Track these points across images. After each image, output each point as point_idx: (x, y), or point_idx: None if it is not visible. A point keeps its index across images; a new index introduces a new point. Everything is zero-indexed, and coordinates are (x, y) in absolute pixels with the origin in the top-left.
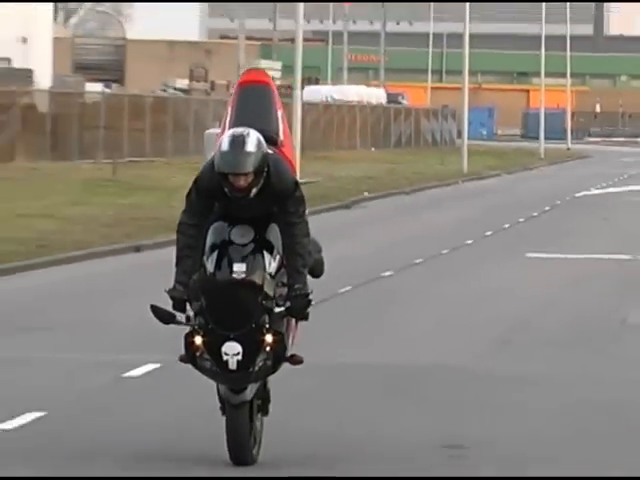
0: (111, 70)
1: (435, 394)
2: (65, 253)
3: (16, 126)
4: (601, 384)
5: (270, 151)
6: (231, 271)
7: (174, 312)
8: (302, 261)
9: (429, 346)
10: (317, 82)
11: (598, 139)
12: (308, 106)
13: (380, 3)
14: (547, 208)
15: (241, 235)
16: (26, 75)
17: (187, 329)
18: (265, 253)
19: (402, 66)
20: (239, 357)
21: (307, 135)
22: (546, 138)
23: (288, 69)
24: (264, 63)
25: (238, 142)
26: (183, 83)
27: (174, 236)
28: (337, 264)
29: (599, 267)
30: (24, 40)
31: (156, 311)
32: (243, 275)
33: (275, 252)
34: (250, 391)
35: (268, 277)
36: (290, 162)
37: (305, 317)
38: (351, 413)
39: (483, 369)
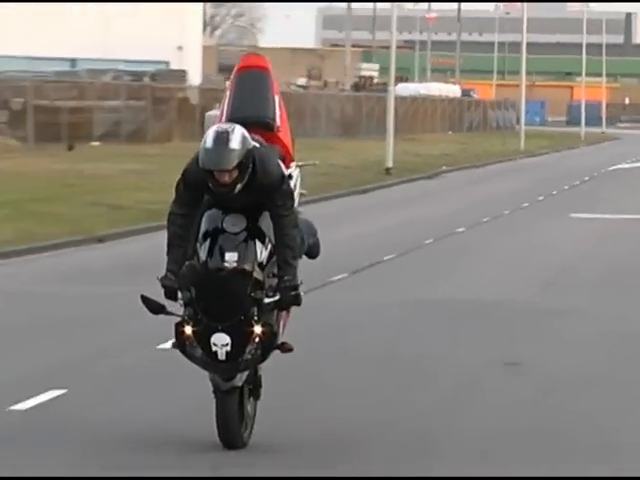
0: None
1: (496, 323)
2: None
3: (173, 115)
4: (629, 318)
5: (257, 144)
6: (223, 260)
7: (163, 303)
8: (291, 253)
9: (492, 286)
10: (407, 80)
11: (627, 125)
12: (399, 99)
13: (457, 19)
14: (586, 179)
15: (233, 224)
16: (181, 75)
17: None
18: (257, 242)
19: (473, 67)
20: (228, 348)
21: (399, 122)
22: (586, 124)
23: (384, 70)
24: (365, 66)
25: (222, 139)
26: (302, 81)
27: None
28: (422, 223)
29: (629, 225)
30: (180, 48)
31: (146, 301)
32: (235, 264)
33: (267, 241)
34: (240, 378)
35: (257, 267)
36: (285, 146)
37: (297, 303)
38: (432, 337)
39: (534, 304)
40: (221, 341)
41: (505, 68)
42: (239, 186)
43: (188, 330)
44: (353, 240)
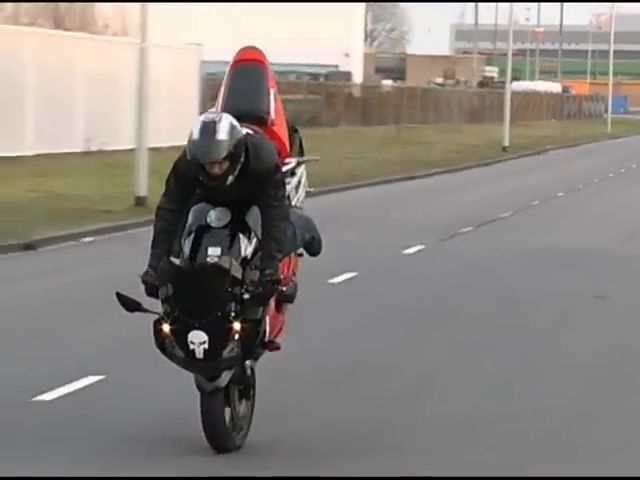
0: (397, 72)
1: (588, 266)
2: (368, 180)
3: (341, 106)
4: None
5: (250, 131)
6: (206, 255)
7: (139, 300)
8: (277, 246)
9: (585, 237)
10: (519, 79)
11: None
12: (514, 94)
13: (559, 32)
14: None
15: (218, 218)
16: (347, 75)
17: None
18: (241, 237)
19: (571, 70)
20: (205, 346)
21: (513, 111)
22: None
23: (502, 72)
24: (488, 68)
25: (208, 130)
26: (439, 80)
27: (432, 170)
28: (530, 189)
29: None
30: (347, 55)
31: (121, 298)
32: (217, 259)
33: (252, 235)
34: (224, 378)
35: (237, 263)
36: (280, 139)
37: (290, 300)
38: (539, 275)
39: (619, 251)
40: (198, 339)
41: (596, 70)
42: (231, 177)
43: (166, 328)
44: (477, 201)
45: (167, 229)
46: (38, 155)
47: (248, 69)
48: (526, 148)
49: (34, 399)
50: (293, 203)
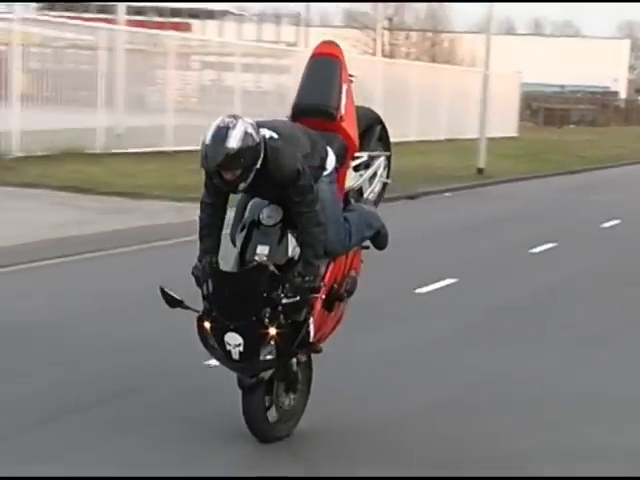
0: None
1: None
2: (628, 160)
3: (611, 113)
4: None
5: (275, 135)
6: (254, 253)
7: (181, 298)
8: (312, 252)
9: None
10: None
11: None
12: None
13: None
14: None
15: (269, 216)
16: (615, 94)
17: None
18: (290, 236)
19: None
20: (241, 348)
21: None
22: None
23: None
24: None
25: (220, 135)
26: None
27: None
28: None
29: None
30: (615, 80)
31: (164, 294)
32: (265, 258)
33: None
34: (263, 375)
35: (283, 261)
36: (349, 136)
37: (342, 298)
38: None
39: None
40: (234, 341)
41: None
42: (242, 185)
43: (207, 325)
44: None
45: (208, 223)
46: (418, 141)
47: (323, 64)
48: None
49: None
50: (365, 195)
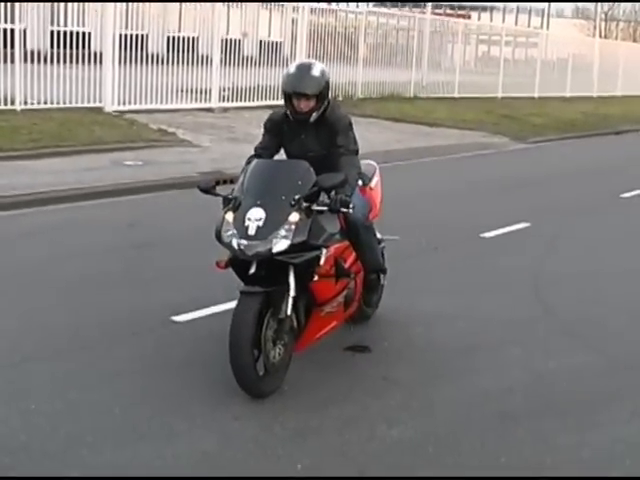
0: None
1: None
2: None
3: None
4: None
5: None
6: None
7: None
8: (348, 188)
9: None
10: None
11: None
12: None
13: None
14: None
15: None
16: None
17: None
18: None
19: None
20: (260, 223)
21: None
22: None
23: None
24: None
25: (304, 66)
26: None
27: None
28: None
29: None
30: None
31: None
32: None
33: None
34: (263, 296)
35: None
36: (374, 201)
37: (347, 274)
38: None
39: None
40: (256, 215)
41: None
42: (315, 115)
43: (229, 217)
44: None
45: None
46: (622, 95)
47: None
48: None
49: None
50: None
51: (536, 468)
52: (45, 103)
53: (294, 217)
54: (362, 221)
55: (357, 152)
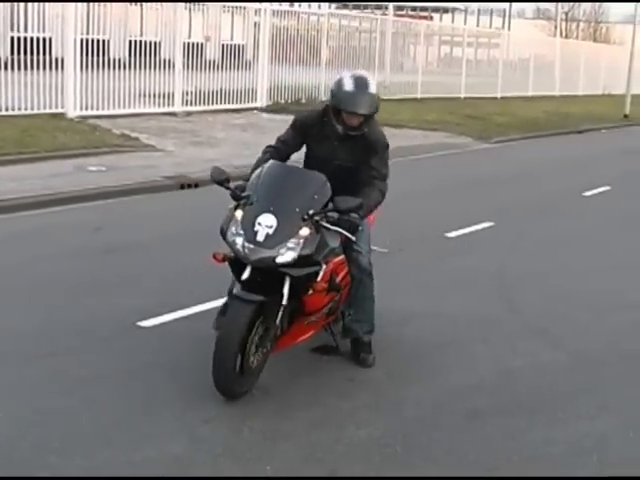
0: None
1: None
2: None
3: None
4: None
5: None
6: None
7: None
8: (367, 209)
9: None
10: None
11: None
12: None
13: None
14: None
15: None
16: None
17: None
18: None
19: None
20: (270, 231)
21: None
22: None
23: None
24: None
25: (362, 83)
26: None
27: None
28: None
29: None
30: None
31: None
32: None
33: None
34: (259, 300)
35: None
36: (372, 218)
37: (337, 288)
38: None
39: None
40: (267, 222)
41: None
42: (364, 129)
43: (238, 215)
44: None
45: (261, 159)
46: (584, 95)
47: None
48: None
49: None
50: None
51: (505, 465)
52: (7, 110)
53: (305, 232)
54: (369, 270)
55: (386, 176)
